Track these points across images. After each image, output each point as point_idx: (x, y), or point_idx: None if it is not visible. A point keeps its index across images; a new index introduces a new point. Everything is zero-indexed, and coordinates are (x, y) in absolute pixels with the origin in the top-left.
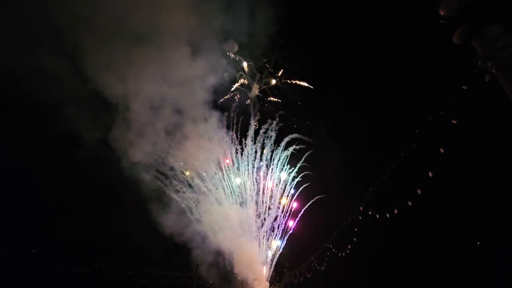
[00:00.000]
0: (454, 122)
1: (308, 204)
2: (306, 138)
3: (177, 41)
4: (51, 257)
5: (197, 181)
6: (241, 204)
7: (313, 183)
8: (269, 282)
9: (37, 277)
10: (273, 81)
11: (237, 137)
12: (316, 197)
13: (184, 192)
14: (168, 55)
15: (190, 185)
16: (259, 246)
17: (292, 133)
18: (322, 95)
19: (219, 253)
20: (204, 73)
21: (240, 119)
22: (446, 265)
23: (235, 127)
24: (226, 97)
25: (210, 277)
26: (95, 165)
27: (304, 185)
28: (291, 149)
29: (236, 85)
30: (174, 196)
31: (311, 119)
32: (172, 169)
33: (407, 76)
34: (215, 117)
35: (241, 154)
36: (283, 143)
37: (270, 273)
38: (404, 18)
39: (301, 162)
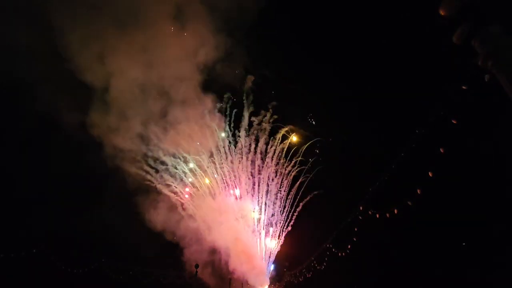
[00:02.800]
0: (454, 122)
1: (306, 199)
2: (302, 130)
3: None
4: (51, 257)
5: (190, 175)
6: (236, 198)
7: (311, 179)
8: (269, 280)
9: (37, 277)
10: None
11: (230, 129)
12: (314, 193)
13: (176, 186)
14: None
15: (181, 179)
16: (257, 240)
17: (288, 126)
18: (321, 94)
19: (216, 251)
20: (194, 55)
21: (234, 112)
22: (445, 265)
23: (227, 118)
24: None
25: (209, 277)
26: (91, 160)
27: (301, 180)
28: (287, 142)
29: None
30: (165, 190)
31: (308, 115)
32: (163, 163)
33: (407, 76)
34: (207, 108)
35: (235, 147)
36: (278, 135)
37: (269, 268)
38: (404, 18)
39: (299, 155)
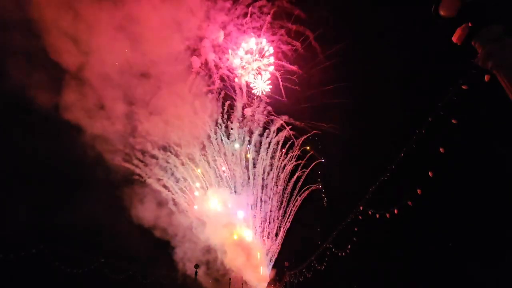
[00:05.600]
0: (454, 122)
1: (304, 196)
2: (298, 124)
3: None
4: (51, 257)
5: (181, 169)
6: (232, 192)
7: (309, 175)
8: (269, 281)
9: (37, 277)
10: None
11: (223, 121)
12: (312, 188)
13: (167, 181)
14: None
15: (172, 174)
16: (255, 235)
17: (283, 117)
18: (320, 91)
19: (214, 250)
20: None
21: (226, 103)
22: (445, 265)
23: (220, 110)
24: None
25: (208, 276)
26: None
27: (297, 175)
28: (283, 136)
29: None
30: (156, 186)
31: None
32: (154, 157)
33: (407, 76)
34: (201, 100)
35: (228, 138)
36: (273, 128)
37: (268, 261)
38: (404, 19)
39: (296, 150)
